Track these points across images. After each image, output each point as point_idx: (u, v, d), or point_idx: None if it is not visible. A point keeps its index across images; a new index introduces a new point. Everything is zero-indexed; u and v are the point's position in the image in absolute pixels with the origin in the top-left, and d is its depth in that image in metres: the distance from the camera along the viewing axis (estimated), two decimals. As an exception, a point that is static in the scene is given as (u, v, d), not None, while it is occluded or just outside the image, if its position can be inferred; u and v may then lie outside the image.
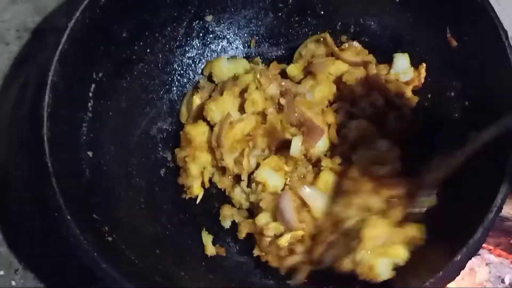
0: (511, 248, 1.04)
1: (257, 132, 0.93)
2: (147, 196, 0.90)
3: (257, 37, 1.07)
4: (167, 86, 1.02)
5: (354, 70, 0.98)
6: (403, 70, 0.98)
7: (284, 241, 0.85)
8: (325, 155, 0.94)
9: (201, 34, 1.04)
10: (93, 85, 0.88)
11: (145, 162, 0.95)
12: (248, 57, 1.07)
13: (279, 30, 1.06)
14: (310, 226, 0.86)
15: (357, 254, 0.77)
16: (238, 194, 0.94)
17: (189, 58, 1.04)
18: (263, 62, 1.06)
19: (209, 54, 1.06)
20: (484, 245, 1.00)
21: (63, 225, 0.73)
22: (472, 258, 0.80)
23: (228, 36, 1.07)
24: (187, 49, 1.03)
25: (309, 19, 1.04)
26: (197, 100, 1.01)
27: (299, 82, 1.00)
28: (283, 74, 1.02)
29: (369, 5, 1.00)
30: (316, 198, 0.87)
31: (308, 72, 1.00)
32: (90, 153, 0.85)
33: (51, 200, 0.74)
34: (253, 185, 0.91)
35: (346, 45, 1.02)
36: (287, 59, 1.06)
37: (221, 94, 0.96)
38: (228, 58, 1.05)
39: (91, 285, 0.90)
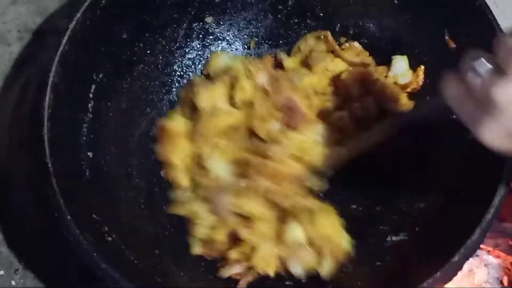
0: (510, 250, 1.04)
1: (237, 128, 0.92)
2: (147, 197, 0.91)
3: (256, 39, 1.08)
4: (167, 87, 1.02)
5: (353, 70, 0.99)
6: (401, 73, 0.98)
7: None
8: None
9: (201, 36, 1.05)
10: (93, 86, 0.88)
11: (145, 163, 0.95)
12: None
13: (278, 31, 1.06)
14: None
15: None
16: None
17: (189, 59, 1.05)
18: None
19: (209, 56, 1.06)
20: (482, 246, 1.01)
21: (63, 225, 0.73)
22: (471, 259, 0.80)
23: (228, 38, 1.07)
24: (187, 50, 1.04)
25: (308, 20, 1.04)
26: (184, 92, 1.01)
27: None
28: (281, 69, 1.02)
29: (369, 7, 1.01)
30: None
31: (306, 65, 1.00)
32: (90, 154, 0.85)
33: (51, 200, 0.74)
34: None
35: (347, 45, 1.03)
36: (287, 60, 1.06)
37: (213, 83, 0.97)
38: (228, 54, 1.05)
39: (91, 285, 0.90)
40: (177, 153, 0.94)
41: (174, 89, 1.03)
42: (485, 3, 0.84)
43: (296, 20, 1.05)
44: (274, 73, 0.97)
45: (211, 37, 1.06)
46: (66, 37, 0.82)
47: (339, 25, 1.04)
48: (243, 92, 0.94)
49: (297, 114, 0.92)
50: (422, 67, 0.97)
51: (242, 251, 0.86)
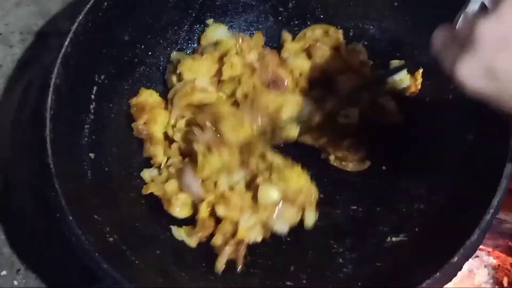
0: (509, 250, 1.04)
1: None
2: (147, 197, 0.91)
3: (257, 41, 1.08)
4: (167, 89, 1.02)
5: (350, 75, 0.98)
6: (399, 78, 0.99)
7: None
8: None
9: (202, 37, 1.05)
10: (95, 88, 0.89)
11: (146, 163, 0.95)
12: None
13: (279, 33, 1.06)
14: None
15: None
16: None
17: (190, 61, 1.05)
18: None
19: (209, 56, 1.06)
20: (482, 247, 1.02)
21: (64, 226, 0.74)
22: (471, 260, 0.81)
23: (229, 40, 1.07)
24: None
25: (308, 22, 1.05)
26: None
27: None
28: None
29: (369, 9, 1.01)
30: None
31: (307, 52, 1.01)
32: (92, 155, 0.86)
33: (53, 201, 0.75)
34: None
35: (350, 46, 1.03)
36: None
37: (201, 55, 0.97)
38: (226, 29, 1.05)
39: (92, 285, 0.90)
40: (158, 125, 0.94)
41: (174, 91, 1.04)
42: (485, 5, 0.84)
43: (296, 22, 1.06)
44: (262, 50, 0.98)
45: (212, 38, 1.06)
46: (68, 39, 0.82)
47: (339, 27, 1.04)
48: (232, 68, 0.94)
49: (282, 87, 0.93)
50: (421, 70, 0.98)
51: (223, 233, 0.87)
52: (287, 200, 0.88)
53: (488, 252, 1.05)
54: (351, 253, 0.87)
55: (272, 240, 0.90)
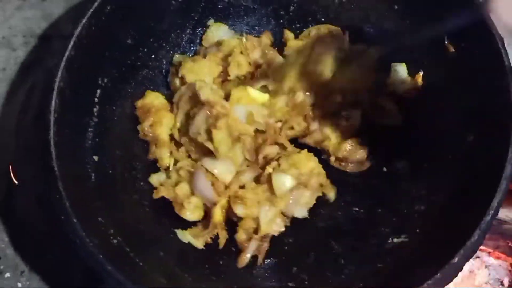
0: (509, 251, 1.04)
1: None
2: (151, 199, 0.91)
3: (259, 43, 1.08)
4: (170, 91, 1.03)
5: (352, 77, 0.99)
6: (400, 80, 0.99)
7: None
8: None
9: (204, 41, 1.06)
10: (98, 91, 0.89)
11: (149, 166, 0.96)
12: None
13: (281, 36, 1.06)
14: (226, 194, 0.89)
15: None
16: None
17: (192, 64, 1.06)
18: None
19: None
20: (483, 247, 1.02)
21: (69, 228, 0.74)
22: (472, 261, 0.81)
23: (230, 43, 1.08)
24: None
25: (310, 26, 1.05)
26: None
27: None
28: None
29: (369, 12, 1.02)
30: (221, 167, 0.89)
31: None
32: (95, 157, 0.86)
33: (57, 204, 0.75)
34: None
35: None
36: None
37: (204, 57, 0.98)
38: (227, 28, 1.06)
39: (95, 287, 0.91)
40: (163, 127, 0.94)
41: (177, 93, 1.04)
42: (484, 8, 0.84)
43: (298, 25, 1.06)
44: (266, 51, 0.99)
45: (214, 41, 1.07)
46: (72, 43, 0.83)
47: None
48: (239, 67, 0.95)
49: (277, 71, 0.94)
50: (421, 73, 0.98)
51: (245, 228, 0.88)
52: (300, 184, 0.89)
53: (489, 252, 1.05)
54: (352, 254, 0.88)
55: (274, 241, 0.91)
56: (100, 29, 0.86)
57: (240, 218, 0.89)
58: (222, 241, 0.89)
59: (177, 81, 0.98)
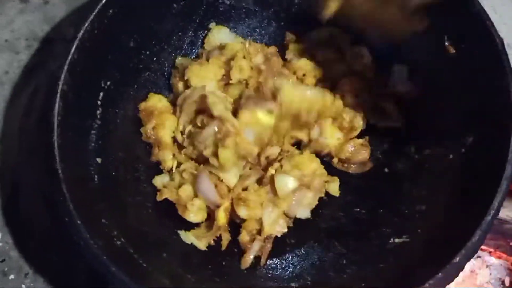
0: (510, 250, 1.05)
1: None
2: (154, 201, 0.92)
3: (260, 45, 1.09)
4: (172, 94, 1.03)
5: (353, 79, 1.00)
6: (401, 81, 1.00)
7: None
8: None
9: (206, 43, 1.06)
10: (101, 93, 0.90)
11: (152, 168, 0.96)
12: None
13: (282, 38, 1.07)
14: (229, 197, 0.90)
15: None
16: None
17: (194, 66, 1.06)
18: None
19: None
20: (484, 247, 1.02)
21: (72, 230, 0.74)
22: (473, 261, 0.81)
23: (232, 45, 1.08)
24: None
25: (311, 28, 1.05)
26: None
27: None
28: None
29: (370, 13, 1.02)
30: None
31: (310, 53, 1.02)
32: (99, 160, 0.87)
33: (61, 206, 0.75)
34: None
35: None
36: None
37: (207, 60, 0.98)
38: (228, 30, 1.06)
39: (99, 288, 0.92)
40: (166, 130, 0.95)
41: (179, 96, 1.04)
42: (483, 9, 0.85)
43: (299, 28, 1.06)
44: (269, 56, 0.99)
45: (215, 44, 1.07)
46: (74, 46, 0.83)
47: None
48: (241, 71, 0.96)
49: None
50: (422, 75, 0.98)
51: (249, 230, 0.89)
52: (303, 185, 0.90)
53: (490, 252, 1.05)
54: (355, 254, 0.89)
55: (276, 242, 0.91)
56: (102, 32, 0.87)
57: (243, 220, 0.90)
58: (225, 243, 0.90)
59: (180, 84, 0.99)
